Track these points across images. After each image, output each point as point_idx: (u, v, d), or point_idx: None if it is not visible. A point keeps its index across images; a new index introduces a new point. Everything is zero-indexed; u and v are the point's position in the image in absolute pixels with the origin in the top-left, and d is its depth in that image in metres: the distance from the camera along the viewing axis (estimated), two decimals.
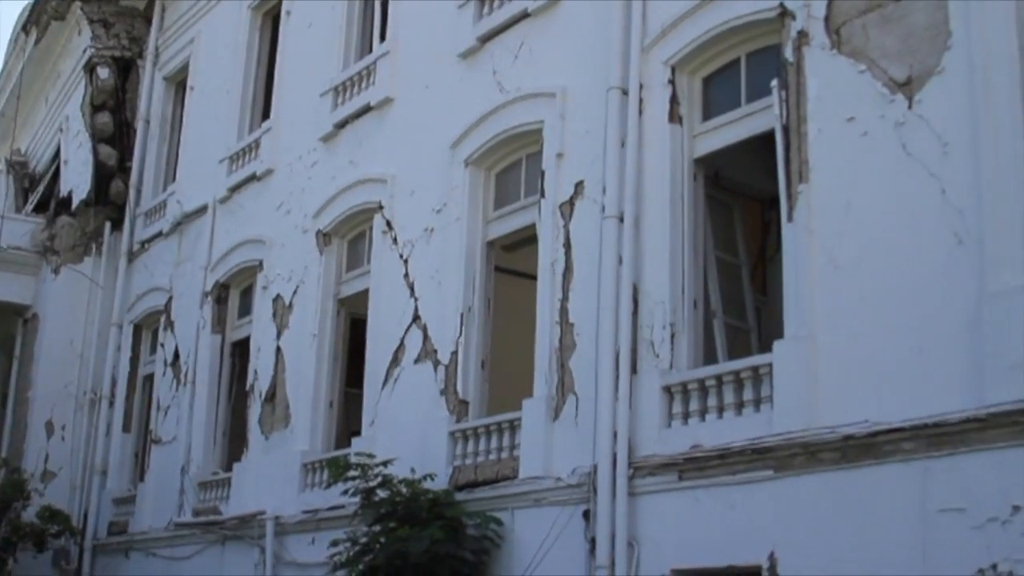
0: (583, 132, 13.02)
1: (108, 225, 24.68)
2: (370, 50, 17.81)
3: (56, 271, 24.74)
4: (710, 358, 11.76)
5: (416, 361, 14.94)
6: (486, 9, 15.10)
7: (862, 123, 10.16)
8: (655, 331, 11.70)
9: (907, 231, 9.70)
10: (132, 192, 24.53)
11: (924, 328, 9.45)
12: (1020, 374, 8.72)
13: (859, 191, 10.10)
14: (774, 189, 11.04)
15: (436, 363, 14.54)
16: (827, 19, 10.64)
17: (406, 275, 15.45)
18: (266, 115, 20.44)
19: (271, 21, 21.37)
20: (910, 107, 9.84)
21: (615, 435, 11.65)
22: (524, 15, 14.41)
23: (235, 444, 19.54)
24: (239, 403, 19.64)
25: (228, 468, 19.11)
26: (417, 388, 14.77)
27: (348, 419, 17.30)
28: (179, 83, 24.48)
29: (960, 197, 9.38)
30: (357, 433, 15.91)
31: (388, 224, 16.00)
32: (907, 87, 9.90)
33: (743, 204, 13.18)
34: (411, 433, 14.50)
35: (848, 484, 9.76)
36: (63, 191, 26.44)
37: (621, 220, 12.12)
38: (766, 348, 10.97)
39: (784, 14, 11.02)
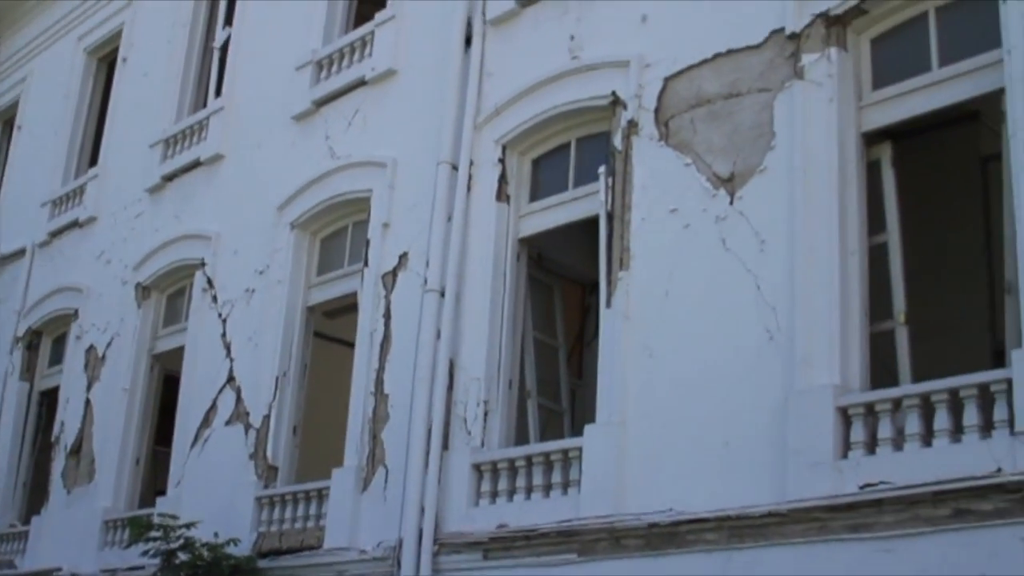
0: (411, 204, 12.97)
1: None
2: (204, 104, 17.58)
3: None
4: (522, 438, 11.73)
5: (227, 423, 14.65)
6: (324, 73, 15.01)
7: (684, 215, 10.30)
8: (469, 408, 11.64)
9: (722, 324, 9.81)
10: None
11: (732, 421, 9.54)
12: (822, 471, 8.85)
13: (678, 281, 10.21)
14: (596, 274, 11.11)
15: (248, 426, 14.27)
16: (657, 111, 10.79)
17: (224, 335, 15.18)
18: (94, 161, 20.01)
19: (106, 66, 21.00)
20: (731, 203, 10.00)
21: (422, 510, 11.53)
22: (361, 82, 14.35)
23: (36, 496, 18.91)
24: (43, 454, 19.03)
25: (27, 521, 18.47)
26: (227, 450, 14.47)
27: (155, 478, 16.87)
28: (7, 121, 23.87)
29: (774, 294, 9.52)
30: (163, 493, 15.51)
31: (209, 282, 15.73)
32: (730, 183, 10.06)
33: (564, 287, 13.24)
34: (217, 496, 14.17)
35: (652, 571, 9.76)
36: None
37: (442, 294, 12.08)
38: (578, 432, 10.97)
39: (616, 103, 11.15)
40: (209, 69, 17.92)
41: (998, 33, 8.85)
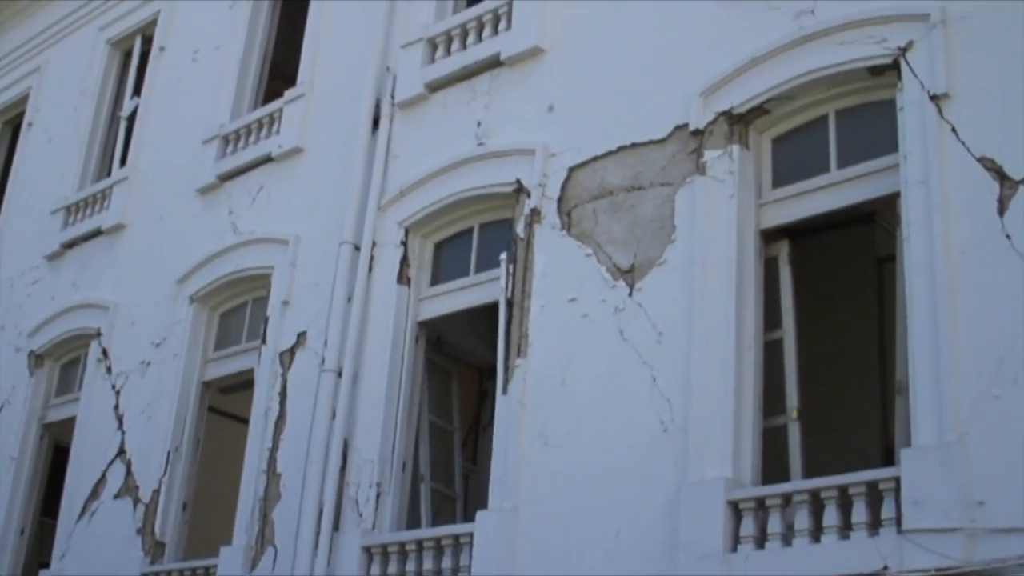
0: (312, 283, 12.87)
1: None
2: (108, 173, 17.37)
3: None
4: (414, 522, 11.58)
5: (116, 496, 14.34)
6: (230, 148, 14.92)
7: (584, 305, 10.31)
8: (361, 489, 11.49)
9: (617, 414, 9.79)
10: None
11: (625, 511, 9.50)
12: (712, 564, 8.84)
13: (574, 370, 10.19)
14: (494, 359, 11.07)
15: (136, 500, 13.98)
16: (560, 200, 10.83)
17: (116, 406, 14.90)
18: None
19: (11, 130, 20.71)
20: (630, 294, 10.03)
21: None
22: (267, 159, 14.28)
23: None
24: None
25: None
26: (114, 524, 14.16)
27: (40, 549, 16.46)
28: None
29: (670, 386, 9.53)
30: (47, 565, 15.12)
31: (104, 352, 15.45)
32: (629, 274, 10.10)
33: (462, 371, 13.17)
34: (102, 570, 13.86)
35: None
36: None
37: (339, 375, 11.97)
38: (470, 517, 10.85)
39: (520, 190, 11.18)
40: (115, 138, 17.73)
41: (895, 138, 9.02)
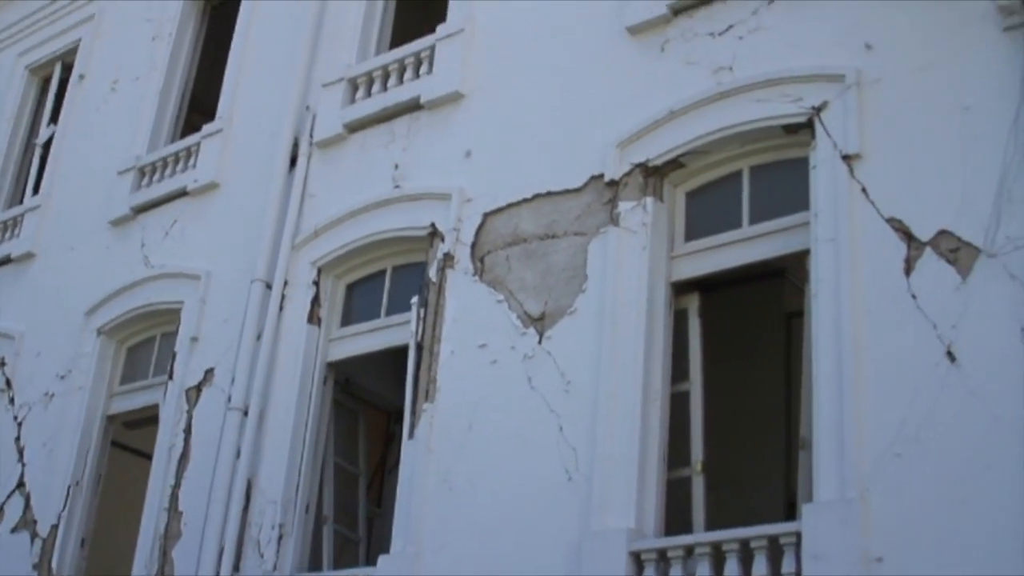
0: (221, 319, 12.74)
1: None
2: (21, 201, 17.13)
3: None
4: (315, 564, 11.44)
5: (13, 530, 14.05)
6: (146, 180, 14.76)
7: (493, 351, 10.27)
8: (263, 530, 11.33)
9: (523, 462, 9.74)
10: None
11: (527, 559, 9.43)
12: None
13: (482, 417, 10.14)
14: (402, 403, 10.97)
15: (34, 535, 13.71)
16: (474, 246, 10.81)
17: (18, 438, 14.62)
18: None
19: None
20: (540, 342, 10.01)
21: None
22: (183, 193, 14.15)
23: None
24: None
25: None
26: (10, 559, 13.84)
27: None
28: None
29: (576, 435, 9.51)
30: None
31: (7, 382, 15.18)
32: (540, 322, 10.08)
33: (370, 414, 13.06)
34: None
35: None
36: None
37: (245, 413, 11.84)
38: (372, 561, 10.75)
39: (434, 235, 11.15)
40: (29, 165, 17.51)
41: (807, 196, 9.09)
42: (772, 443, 11.58)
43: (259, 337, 12.11)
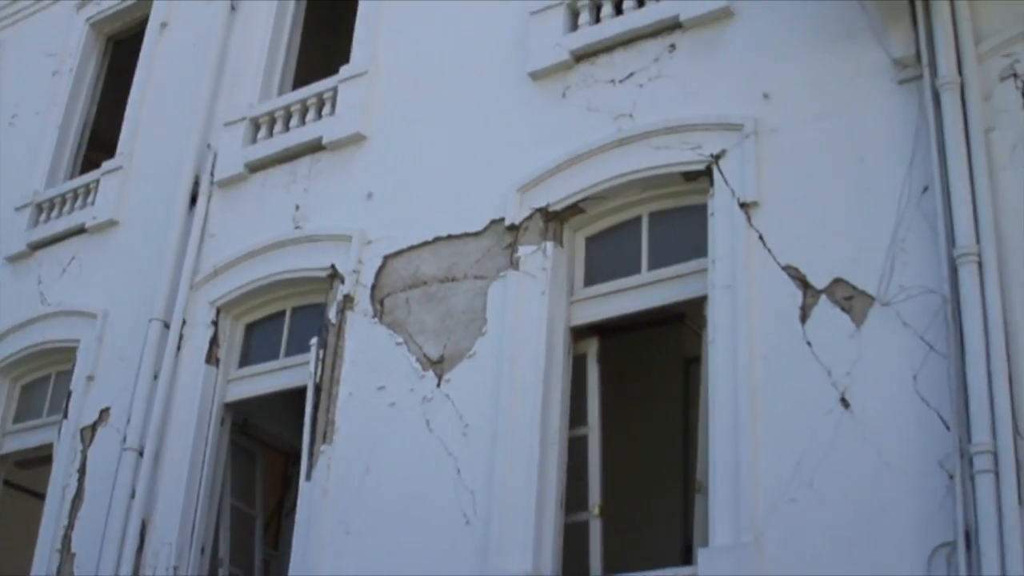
0: (118, 358, 12.52)
1: None
2: None
3: None
4: None
5: None
6: (43, 217, 14.51)
7: (392, 393, 10.18)
8: (158, 572, 11.11)
9: (420, 506, 9.65)
10: None
11: None
12: None
13: (380, 459, 10.04)
14: (300, 445, 10.84)
15: None
16: (374, 288, 10.73)
17: None
18: None
19: None
20: (439, 385, 9.95)
21: None
22: (81, 230, 13.91)
23: None
24: None
25: None
26: None
27: None
28: None
29: (473, 478, 9.44)
30: None
31: None
32: (439, 365, 10.02)
33: (267, 455, 12.91)
34: None
35: None
36: None
37: (141, 453, 11.62)
38: None
39: (334, 276, 11.07)
40: None
41: (705, 243, 9.14)
42: (669, 487, 11.60)
43: (156, 377, 11.91)
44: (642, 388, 11.87)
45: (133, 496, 11.52)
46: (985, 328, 7.68)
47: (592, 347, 9.80)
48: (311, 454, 10.46)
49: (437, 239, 10.53)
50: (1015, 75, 8.36)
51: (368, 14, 12.35)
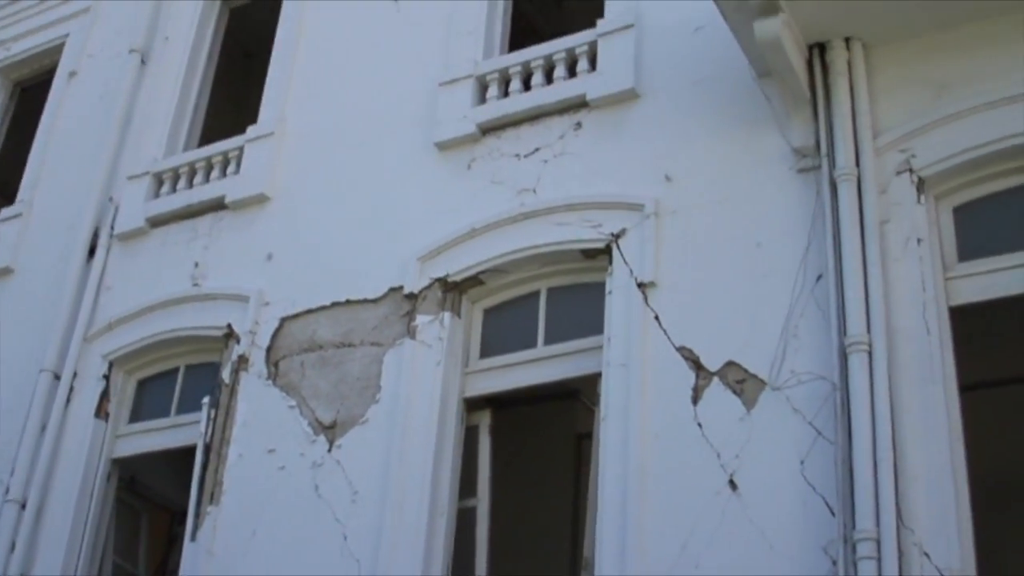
0: (5, 408, 12.20)
1: None
2: None
3: None
4: None
5: None
6: None
7: (282, 457, 10.02)
8: None
9: (305, 571, 9.48)
10: None
11: None
12: None
13: (267, 523, 9.86)
14: (187, 504, 10.61)
15: None
16: (270, 350, 10.60)
17: None
18: None
19: None
20: (330, 450, 9.81)
21: None
22: None
23: None
24: None
25: None
26: None
27: None
28: None
29: (360, 546, 9.30)
30: None
31: None
32: (331, 431, 9.89)
33: (153, 513, 12.60)
34: None
35: None
36: None
37: (23, 506, 11.31)
38: None
39: (230, 336, 10.92)
40: None
41: (601, 320, 9.12)
42: (557, 562, 11.51)
43: (44, 429, 11.63)
44: (533, 462, 11.81)
45: (13, 549, 11.20)
46: (872, 416, 7.73)
47: (485, 419, 9.72)
48: (197, 514, 10.26)
49: (335, 304, 10.43)
50: (911, 170, 8.47)
51: (279, 75, 12.29)
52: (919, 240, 8.24)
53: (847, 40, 8.94)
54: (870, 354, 7.90)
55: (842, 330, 8.04)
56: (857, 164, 8.52)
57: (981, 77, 8.56)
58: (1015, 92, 8.38)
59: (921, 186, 8.42)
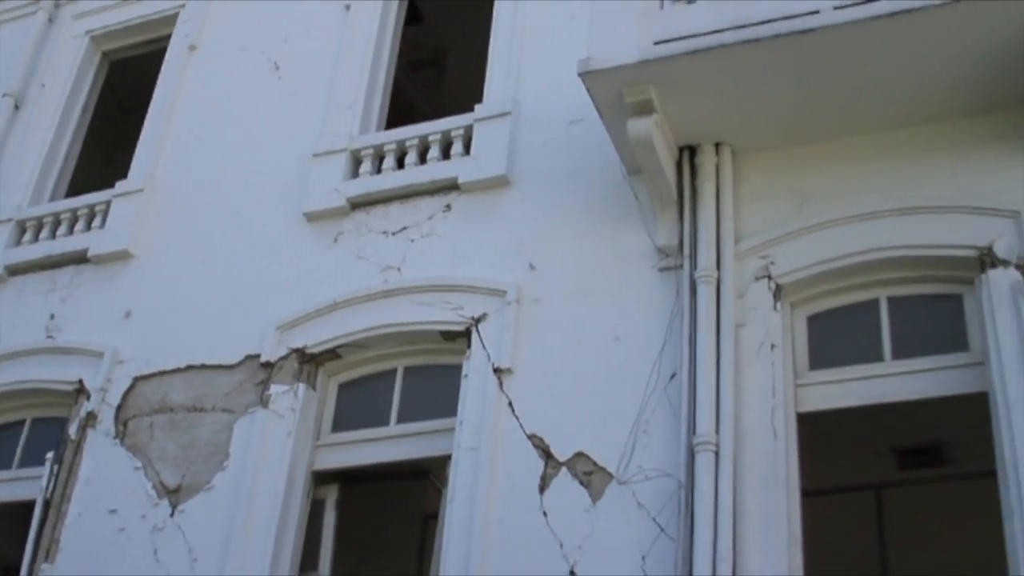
0: None
1: None
2: None
3: None
4: None
5: None
6: None
7: (123, 518, 9.78)
8: None
9: None
10: None
11: None
12: None
13: None
14: (21, 561, 10.29)
15: None
16: (120, 408, 10.37)
17: None
18: None
19: None
20: (172, 515, 9.59)
21: None
22: None
23: None
24: None
25: None
26: None
27: None
28: None
29: None
30: None
31: None
32: (175, 495, 9.69)
33: None
34: None
35: None
36: None
37: None
38: None
39: (80, 391, 10.67)
40: None
41: (455, 403, 9.07)
42: None
43: None
44: (379, 539, 11.68)
45: None
46: (715, 516, 7.77)
47: (332, 493, 9.60)
48: (31, 572, 9.95)
49: (190, 367, 10.25)
50: (769, 276, 8.60)
51: (153, 131, 12.11)
52: (773, 346, 8.35)
53: (717, 145, 9.11)
54: (717, 454, 7.96)
55: (691, 429, 8.10)
56: (718, 267, 8.63)
57: (843, 191, 8.76)
58: (874, 208, 8.59)
59: (778, 293, 8.56)
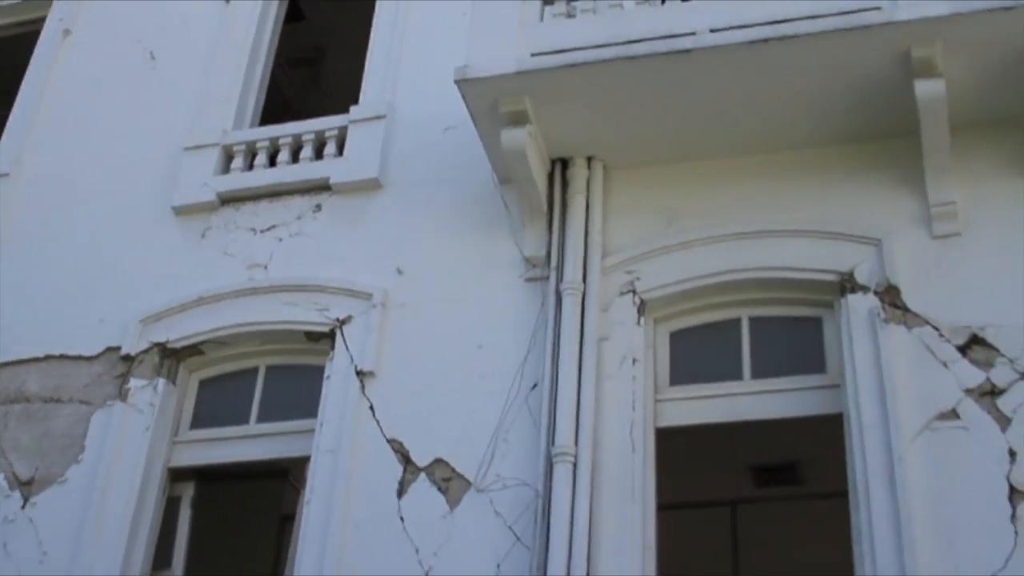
0: None
1: None
2: None
3: None
4: None
5: None
6: None
7: None
8: None
9: None
10: None
11: None
12: None
13: None
14: None
15: None
16: None
17: None
18: None
19: None
20: (23, 507, 9.38)
21: None
22: None
23: None
24: None
25: None
26: None
27: None
28: None
29: None
30: None
31: None
32: (27, 487, 9.47)
33: None
34: None
35: None
36: None
37: None
38: None
39: None
40: None
41: (317, 404, 9.02)
42: None
43: None
44: (235, 539, 11.50)
45: None
46: (571, 527, 7.82)
47: (188, 491, 9.48)
48: None
49: (48, 356, 10.03)
50: (634, 291, 8.68)
51: (22, 115, 11.81)
52: (635, 360, 8.43)
53: (589, 159, 9.18)
54: (575, 465, 8.01)
55: (551, 439, 8.14)
56: (584, 280, 8.69)
57: (711, 211, 8.88)
58: (741, 229, 8.72)
59: (642, 308, 8.64)
